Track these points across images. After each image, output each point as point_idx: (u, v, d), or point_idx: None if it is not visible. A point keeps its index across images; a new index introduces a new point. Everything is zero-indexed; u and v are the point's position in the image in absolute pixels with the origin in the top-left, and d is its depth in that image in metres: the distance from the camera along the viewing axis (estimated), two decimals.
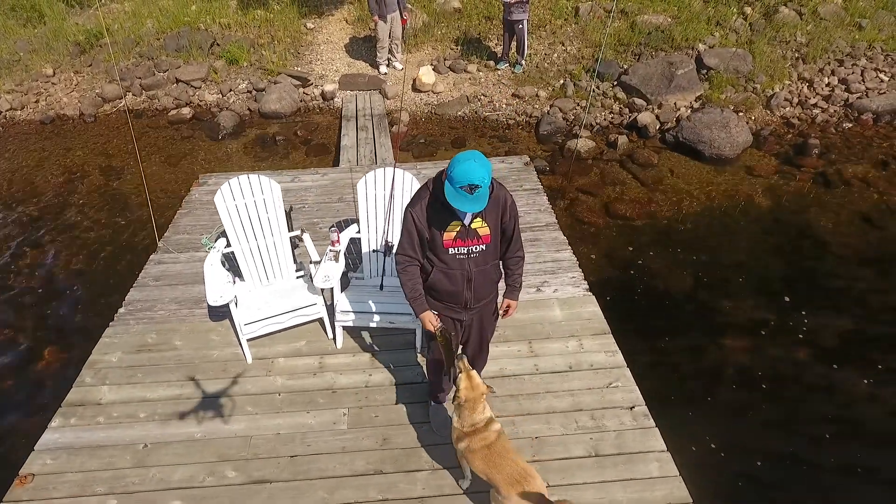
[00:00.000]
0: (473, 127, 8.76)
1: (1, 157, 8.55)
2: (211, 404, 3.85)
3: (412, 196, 2.92)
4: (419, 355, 4.15)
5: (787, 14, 9.85)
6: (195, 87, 9.95)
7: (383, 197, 4.37)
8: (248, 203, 4.34)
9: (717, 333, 5.02)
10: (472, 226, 2.83)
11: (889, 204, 6.59)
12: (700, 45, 9.51)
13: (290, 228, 4.68)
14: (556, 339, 4.30)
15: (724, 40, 9.67)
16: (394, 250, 4.38)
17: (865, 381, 4.57)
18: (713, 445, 4.16)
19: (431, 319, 2.99)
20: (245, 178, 4.35)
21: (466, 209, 2.64)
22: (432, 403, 3.71)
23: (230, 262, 4.44)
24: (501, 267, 3.11)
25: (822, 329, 5.02)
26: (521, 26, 9.06)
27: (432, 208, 2.80)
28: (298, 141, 8.58)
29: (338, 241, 4.35)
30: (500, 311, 3.22)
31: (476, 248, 2.88)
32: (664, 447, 3.48)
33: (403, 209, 2.96)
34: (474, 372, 2.96)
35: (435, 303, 3.09)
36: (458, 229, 2.82)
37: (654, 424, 3.62)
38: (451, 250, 2.86)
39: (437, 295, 3.05)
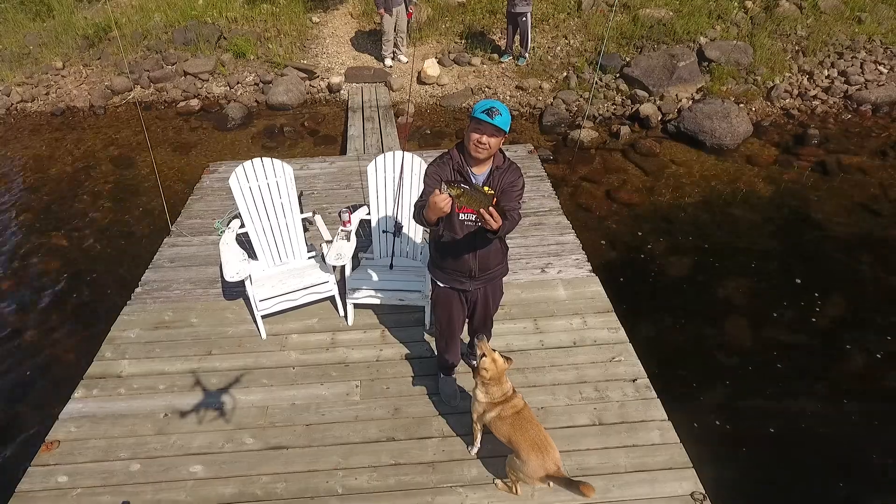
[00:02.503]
0: None
1: (13, 147, 8.70)
2: (227, 377, 3.99)
3: (430, 164, 3.08)
4: (426, 335, 4.28)
5: (787, 8, 9.97)
6: (203, 80, 10.09)
7: (393, 179, 4.50)
8: (262, 185, 4.48)
9: (717, 313, 5.15)
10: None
11: (887, 192, 6.70)
12: (701, 38, 9.63)
13: (302, 211, 4.82)
14: (561, 316, 4.43)
15: (725, 33, 9.79)
16: (403, 230, 4.54)
17: (861, 362, 4.68)
18: (713, 416, 4.30)
19: (439, 198, 2.72)
20: (259, 160, 4.49)
21: (486, 118, 2.76)
22: (441, 376, 3.83)
23: (244, 244, 4.57)
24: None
25: (818, 310, 5.15)
26: (524, 19, 9.19)
27: (450, 171, 2.95)
28: (305, 132, 8.72)
29: (349, 221, 4.49)
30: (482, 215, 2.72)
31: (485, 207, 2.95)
32: (665, 416, 3.61)
33: (422, 175, 3.10)
34: (496, 353, 3.05)
35: (441, 273, 3.23)
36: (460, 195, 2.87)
37: (655, 395, 3.75)
38: (461, 216, 2.99)
39: (444, 263, 3.17)
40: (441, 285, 3.29)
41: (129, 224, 6.75)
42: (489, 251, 3.13)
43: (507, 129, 2.83)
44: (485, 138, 2.81)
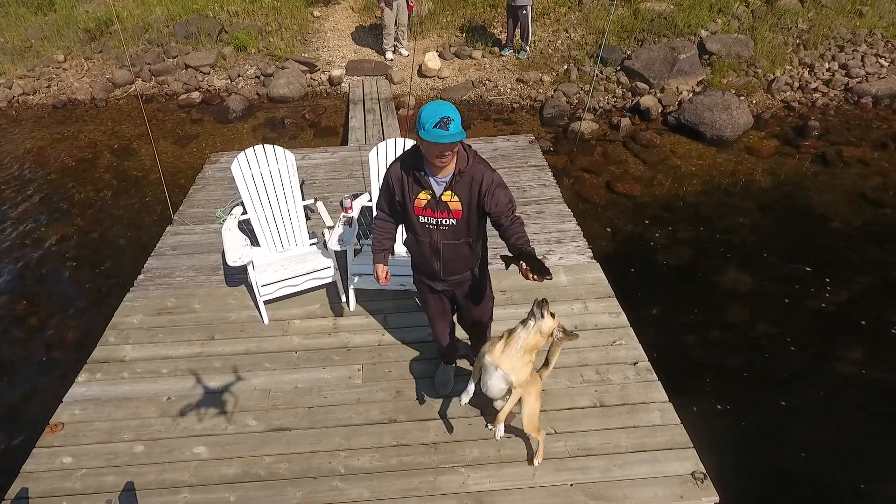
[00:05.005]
0: (479, 110, 8.91)
1: (15, 138, 8.73)
2: (230, 361, 4.01)
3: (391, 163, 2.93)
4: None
5: (788, 1, 9.98)
6: (204, 73, 10.10)
7: None
8: (264, 172, 4.50)
9: (717, 300, 5.18)
10: (443, 198, 2.76)
11: (888, 182, 6.72)
12: (702, 31, 9.64)
13: (303, 198, 4.83)
14: (562, 302, 4.44)
15: (726, 27, 9.80)
16: None
17: (860, 351, 4.70)
18: (714, 398, 4.32)
19: (380, 273, 3.07)
20: (261, 147, 4.50)
21: (442, 139, 2.50)
22: (442, 364, 3.80)
23: (246, 231, 4.59)
24: (504, 235, 2.87)
25: (818, 297, 5.17)
26: (524, 12, 9.20)
27: (406, 172, 2.78)
28: (306, 124, 8.74)
29: (350, 207, 4.51)
30: (529, 277, 2.73)
31: (446, 221, 2.83)
32: (666, 398, 3.63)
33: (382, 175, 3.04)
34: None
35: (414, 269, 3.21)
36: (427, 199, 2.79)
37: (656, 378, 3.76)
38: (420, 218, 2.85)
39: (414, 261, 3.14)
40: (416, 278, 3.25)
41: (131, 213, 6.77)
42: (455, 255, 2.96)
43: (463, 130, 2.56)
44: (446, 153, 2.60)
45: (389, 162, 4.46)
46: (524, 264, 2.65)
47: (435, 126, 2.49)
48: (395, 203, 2.91)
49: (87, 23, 10.94)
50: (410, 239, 3.01)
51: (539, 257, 2.71)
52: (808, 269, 5.49)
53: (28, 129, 8.98)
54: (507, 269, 2.78)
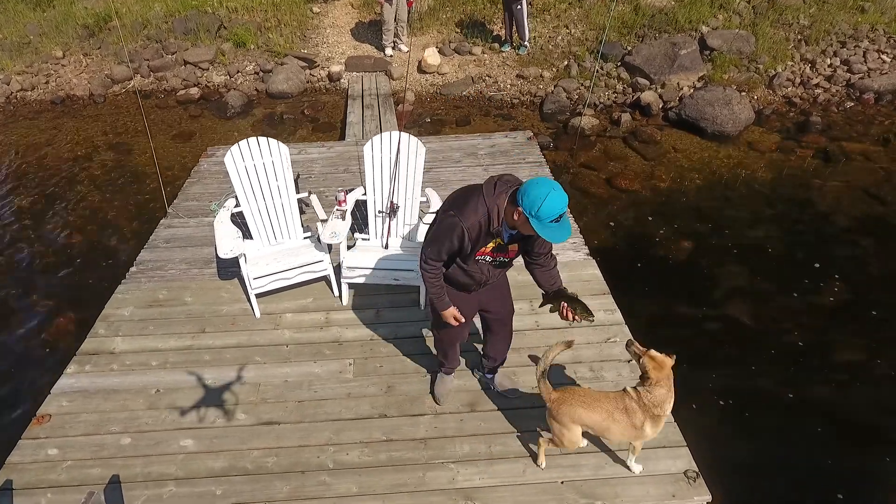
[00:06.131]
0: (478, 106, 8.86)
1: (12, 133, 8.70)
2: (220, 354, 3.97)
3: (459, 201, 2.72)
4: (426, 332, 4.18)
5: None
6: (203, 69, 10.07)
7: (389, 160, 4.46)
8: (258, 164, 4.46)
9: (715, 298, 5.11)
10: (508, 244, 2.80)
11: (891, 178, 6.65)
12: (703, 27, 9.57)
13: (298, 192, 4.79)
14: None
15: (727, 23, 9.73)
16: (398, 212, 4.51)
17: (860, 347, 4.64)
18: (708, 396, 4.26)
19: (454, 314, 3.01)
20: (254, 140, 4.46)
21: (558, 239, 2.49)
22: (440, 374, 3.66)
23: (239, 225, 4.55)
24: (537, 273, 3.01)
25: (817, 293, 5.10)
26: (519, 7, 9.12)
27: (485, 231, 2.70)
28: (305, 119, 8.70)
29: (344, 200, 4.46)
30: (571, 318, 2.91)
31: (501, 259, 2.90)
32: None
33: (442, 211, 2.80)
34: (652, 351, 2.87)
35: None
36: (494, 245, 2.81)
37: None
38: (479, 258, 2.86)
39: (449, 280, 3.03)
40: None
41: (127, 207, 6.73)
42: (497, 278, 3.07)
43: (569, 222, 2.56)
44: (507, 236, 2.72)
45: (383, 155, 4.45)
46: (565, 305, 2.80)
47: (552, 221, 2.44)
48: (456, 254, 2.83)
49: (86, 19, 10.91)
50: (455, 271, 2.94)
51: (580, 298, 2.83)
52: (808, 265, 5.43)
53: (26, 125, 8.96)
54: (549, 311, 2.95)
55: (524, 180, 2.59)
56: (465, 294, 3.07)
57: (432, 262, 2.84)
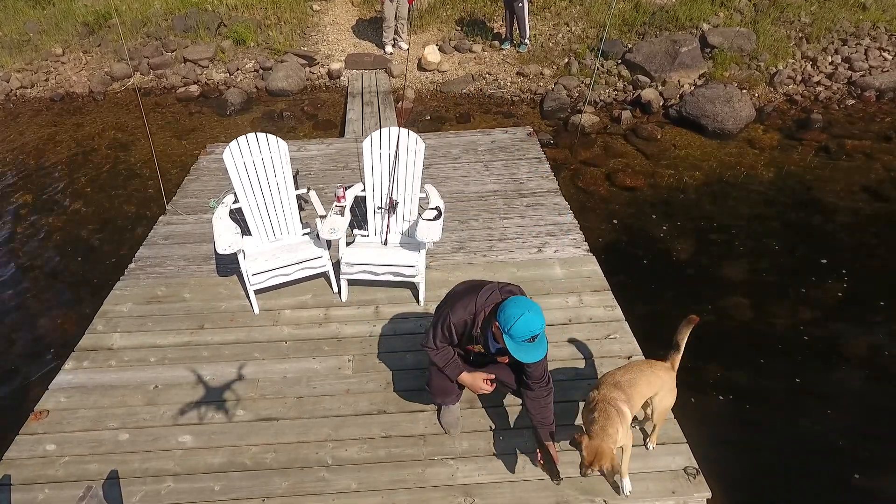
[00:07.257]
0: (479, 103, 8.84)
1: (12, 130, 8.69)
2: (219, 350, 3.96)
3: (458, 294, 2.82)
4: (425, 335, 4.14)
5: None
6: (203, 67, 10.05)
7: (388, 156, 4.45)
8: (256, 160, 4.44)
9: (715, 295, 5.08)
10: (496, 355, 2.83)
11: (893, 175, 6.63)
12: (704, 24, 9.55)
13: (297, 188, 4.77)
14: (557, 294, 4.38)
15: (728, 20, 9.70)
16: (398, 209, 4.49)
17: (860, 345, 4.62)
18: (708, 393, 4.25)
19: (477, 379, 2.97)
20: (253, 135, 4.45)
21: (531, 359, 2.56)
22: (442, 407, 3.48)
23: (238, 221, 4.53)
24: (527, 402, 2.94)
25: (818, 290, 5.08)
26: (520, 5, 9.10)
27: (466, 329, 2.77)
28: (305, 117, 8.68)
29: (343, 197, 4.45)
30: (538, 463, 2.89)
31: (495, 360, 2.92)
32: None
33: (444, 299, 2.93)
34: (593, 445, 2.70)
35: None
36: (480, 349, 2.89)
37: None
38: (472, 354, 2.99)
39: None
40: None
41: (126, 204, 6.72)
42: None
43: (546, 341, 2.60)
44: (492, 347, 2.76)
45: (382, 151, 4.41)
46: (540, 454, 2.82)
47: (525, 341, 2.47)
48: (451, 342, 2.89)
49: (86, 16, 10.90)
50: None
51: (555, 461, 2.81)
52: (809, 261, 5.41)
53: (25, 123, 8.95)
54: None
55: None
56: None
57: (431, 347, 2.91)
